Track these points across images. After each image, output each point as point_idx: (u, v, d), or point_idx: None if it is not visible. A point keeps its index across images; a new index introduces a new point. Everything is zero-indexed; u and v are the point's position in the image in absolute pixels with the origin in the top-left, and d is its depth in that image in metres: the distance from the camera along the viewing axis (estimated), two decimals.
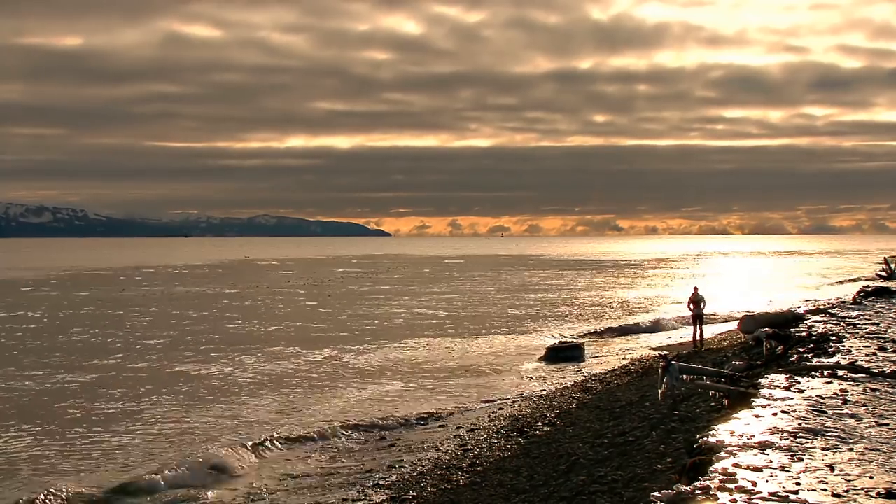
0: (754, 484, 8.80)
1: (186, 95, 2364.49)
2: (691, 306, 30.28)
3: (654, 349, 32.23)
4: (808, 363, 17.88)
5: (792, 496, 8.45)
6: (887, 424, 11.90)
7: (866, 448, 10.46)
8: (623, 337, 38.85)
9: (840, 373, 16.23)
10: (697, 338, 30.02)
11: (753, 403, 13.19)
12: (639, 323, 43.56)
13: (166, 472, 16.59)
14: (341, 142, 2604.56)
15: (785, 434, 11.01)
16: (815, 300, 45.17)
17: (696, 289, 31.07)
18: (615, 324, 43.70)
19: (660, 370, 18.29)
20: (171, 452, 18.41)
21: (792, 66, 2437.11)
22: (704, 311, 30.72)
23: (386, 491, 15.09)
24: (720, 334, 34.07)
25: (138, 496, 15.58)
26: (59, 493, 15.33)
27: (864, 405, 13.23)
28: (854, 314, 28.44)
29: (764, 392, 14.08)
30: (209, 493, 15.73)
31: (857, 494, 8.52)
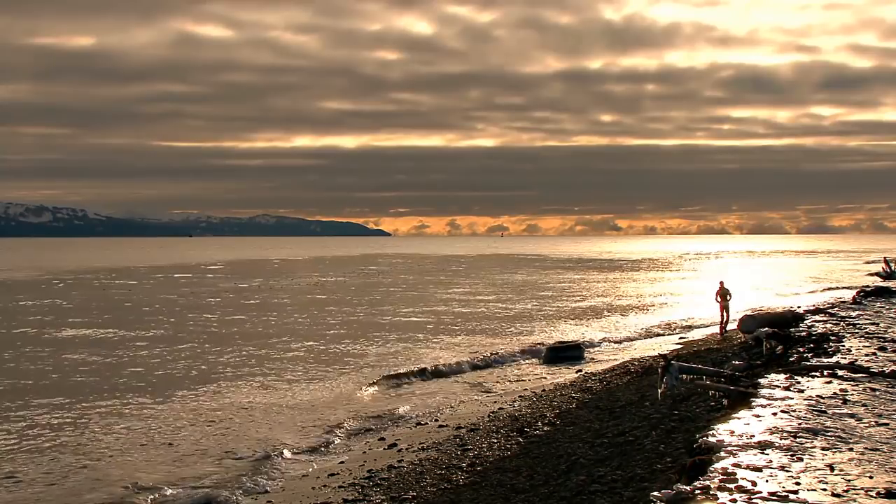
0: (754, 484, 8.81)
1: (194, 95, 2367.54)
2: (718, 298, 32.56)
3: (654, 349, 32.28)
4: (808, 363, 17.89)
5: (792, 496, 8.45)
6: (887, 424, 11.90)
7: (866, 448, 10.47)
8: (622, 338, 38.86)
9: (840, 372, 16.24)
10: (722, 327, 32.41)
11: (753, 403, 13.20)
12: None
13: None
14: (347, 141, 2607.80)
15: (785, 434, 11.01)
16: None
17: (721, 283, 33.22)
18: (614, 324, 43.71)
19: (659, 370, 18.33)
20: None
21: (802, 65, 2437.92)
22: (731, 304, 32.88)
23: (386, 491, 15.09)
24: (715, 334, 34.07)
25: None
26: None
27: (864, 405, 13.24)
28: (854, 314, 28.49)
29: (764, 392, 14.09)
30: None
31: (857, 494, 8.53)
